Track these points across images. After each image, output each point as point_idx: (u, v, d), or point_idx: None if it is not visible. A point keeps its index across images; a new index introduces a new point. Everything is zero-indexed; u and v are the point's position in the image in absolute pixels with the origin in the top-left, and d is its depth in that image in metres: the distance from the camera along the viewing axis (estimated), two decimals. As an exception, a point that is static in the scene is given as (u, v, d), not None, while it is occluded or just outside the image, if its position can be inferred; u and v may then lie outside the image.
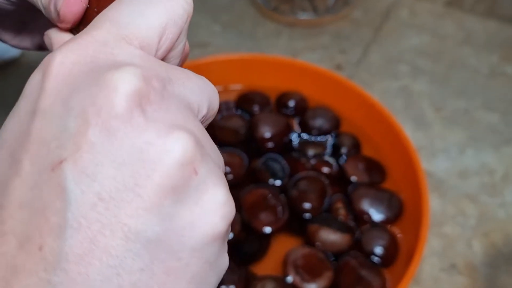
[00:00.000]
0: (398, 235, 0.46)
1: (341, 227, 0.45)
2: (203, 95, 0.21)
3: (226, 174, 0.49)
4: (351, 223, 0.46)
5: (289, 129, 0.54)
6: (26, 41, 0.34)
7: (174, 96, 0.19)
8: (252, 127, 0.53)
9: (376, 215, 0.46)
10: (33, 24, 0.33)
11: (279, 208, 0.46)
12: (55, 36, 0.25)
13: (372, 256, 0.44)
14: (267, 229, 0.46)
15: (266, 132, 0.52)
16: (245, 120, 0.54)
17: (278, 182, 0.49)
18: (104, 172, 0.17)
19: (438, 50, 0.71)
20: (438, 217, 0.52)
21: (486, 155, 0.58)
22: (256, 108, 0.56)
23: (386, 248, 0.44)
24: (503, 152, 0.58)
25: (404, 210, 0.48)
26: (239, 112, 0.56)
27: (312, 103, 0.57)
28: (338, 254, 0.44)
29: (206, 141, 0.20)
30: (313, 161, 0.51)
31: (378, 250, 0.44)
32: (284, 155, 0.51)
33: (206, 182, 0.19)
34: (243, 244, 0.46)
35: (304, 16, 0.73)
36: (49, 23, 0.26)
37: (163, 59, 0.22)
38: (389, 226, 0.47)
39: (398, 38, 0.73)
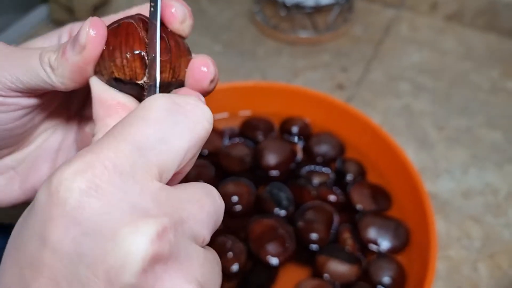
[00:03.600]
0: (405, 263, 0.47)
1: (349, 258, 0.45)
2: (211, 223, 0.22)
3: (234, 204, 0.49)
4: (359, 254, 0.46)
5: (293, 156, 0.54)
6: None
7: (185, 238, 0.20)
8: (257, 155, 0.53)
9: (384, 244, 0.47)
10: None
11: (287, 239, 0.47)
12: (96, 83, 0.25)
13: (380, 287, 0.44)
14: (275, 260, 0.46)
15: (271, 160, 0.53)
16: (250, 148, 0.55)
17: (283, 212, 0.49)
18: None
19: (439, 66, 0.72)
20: (443, 239, 0.52)
21: (489, 174, 0.58)
22: (260, 135, 0.56)
23: (394, 278, 0.44)
24: (507, 171, 0.59)
25: (411, 237, 0.48)
26: (243, 140, 0.56)
27: (316, 129, 0.57)
28: (346, 286, 0.44)
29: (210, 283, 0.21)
30: (318, 190, 0.51)
31: (386, 280, 0.44)
32: (290, 182, 0.52)
33: None
34: (251, 275, 0.46)
35: (304, 34, 0.74)
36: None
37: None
38: (396, 255, 0.47)
39: (399, 54, 0.73)
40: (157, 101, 0.22)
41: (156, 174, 0.20)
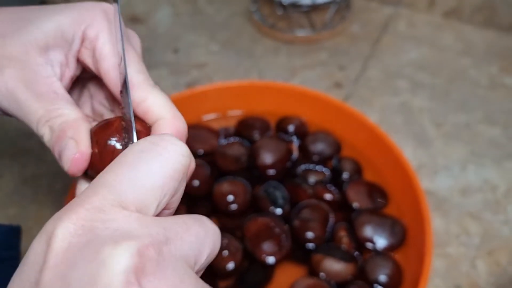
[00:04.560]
0: (402, 261, 0.46)
1: (345, 256, 0.45)
2: (202, 246, 0.22)
3: (229, 203, 0.49)
4: (355, 252, 0.46)
5: (289, 155, 0.54)
6: None
7: (171, 256, 0.20)
8: (253, 154, 0.53)
9: (380, 242, 0.47)
10: None
11: (282, 238, 0.46)
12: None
13: (376, 285, 0.44)
14: (270, 259, 0.46)
15: (268, 159, 0.52)
16: (245, 147, 0.54)
17: (278, 211, 0.49)
18: None
19: (437, 62, 0.71)
20: (441, 236, 0.52)
21: (488, 170, 0.58)
22: (256, 134, 0.56)
23: (390, 276, 0.44)
24: (505, 167, 0.58)
25: (408, 235, 0.48)
26: (238, 139, 0.56)
27: (312, 128, 0.57)
28: (342, 284, 0.44)
29: None
30: (314, 188, 0.51)
31: (382, 278, 0.44)
32: (286, 181, 0.52)
33: None
34: (247, 274, 0.46)
35: (301, 33, 0.73)
36: None
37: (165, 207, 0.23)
38: (392, 252, 0.47)
39: (397, 51, 0.73)
40: (133, 146, 0.24)
41: (134, 210, 0.21)
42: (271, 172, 0.52)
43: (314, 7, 0.73)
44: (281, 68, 0.71)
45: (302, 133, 0.56)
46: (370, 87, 0.68)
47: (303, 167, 0.53)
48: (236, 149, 0.54)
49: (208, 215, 0.49)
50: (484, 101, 0.66)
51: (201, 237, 0.22)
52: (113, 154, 0.28)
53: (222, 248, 0.45)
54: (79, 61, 0.32)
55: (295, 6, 0.72)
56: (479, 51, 0.73)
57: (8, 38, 0.30)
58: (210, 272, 0.46)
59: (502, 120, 0.64)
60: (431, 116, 0.64)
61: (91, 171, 0.29)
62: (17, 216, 0.54)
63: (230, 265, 0.45)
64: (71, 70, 0.32)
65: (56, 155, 0.28)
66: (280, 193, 0.50)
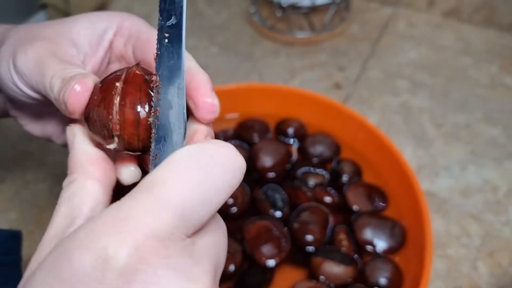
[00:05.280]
0: (402, 263, 0.46)
1: (345, 259, 0.45)
2: (224, 257, 0.24)
3: (229, 206, 0.49)
4: (354, 254, 0.46)
5: (289, 157, 0.54)
6: (37, 130, 0.37)
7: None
8: (252, 157, 0.53)
9: (380, 245, 0.47)
10: (47, 117, 0.36)
11: (282, 241, 0.46)
12: (78, 134, 0.27)
13: (376, 288, 0.44)
14: (270, 262, 0.46)
15: (267, 162, 0.52)
16: (245, 150, 0.54)
17: (278, 213, 0.49)
18: None
19: (437, 62, 0.71)
20: (442, 238, 0.52)
21: (488, 171, 0.58)
22: (256, 137, 0.56)
23: (390, 279, 0.44)
24: (506, 167, 0.58)
25: (407, 237, 0.48)
26: (238, 142, 0.56)
27: (311, 130, 0.57)
28: (342, 287, 0.44)
29: None
30: (314, 191, 0.51)
31: (382, 281, 0.44)
32: (285, 183, 0.51)
33: None
34: (246, 277, 0.46)
35: (301, 34, 0.73)
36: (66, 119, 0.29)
37: None
38: (392, 255, 0.47)
39: (396, 51, 0.73)
40: (187, 155, 0.22)
41: (191, 233, 0.21)
42: (271, 174, 0.52)
43: (314, 9, 0.73)
44: (280, 69, 0.71)
45: (302, 135, 0.56)
46: (370, 88, 0.68)
47: (302, 169, 0.53)
48: (235, 152, 0.54)
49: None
50: (484, 100, 0.66)
51: (224, 249, 0.24)
52: (112, 103, 0.26)
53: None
54: (111, 51, 0.34)
55: (294, 7, 0.72)
56: (478, 50, 0.73)
57: (46, 27, 0.32)
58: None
59: (502, 119, 0.63)
60: (431, 116, 0.64)
61: (88, 116, 0.27)
62: (17, 220, 0.55)
63: (231, 268, 0.45)
64: (98, 58, 0.33)
65: (61, 98, 0.27)
66: (279, 196, 0.50)
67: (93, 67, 0.33)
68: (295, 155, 0.55)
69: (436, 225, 0.53)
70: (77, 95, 0.26)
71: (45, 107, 0.34)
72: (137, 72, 0.26)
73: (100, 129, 0.26)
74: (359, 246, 0.47)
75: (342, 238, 0.47)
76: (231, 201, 0.50)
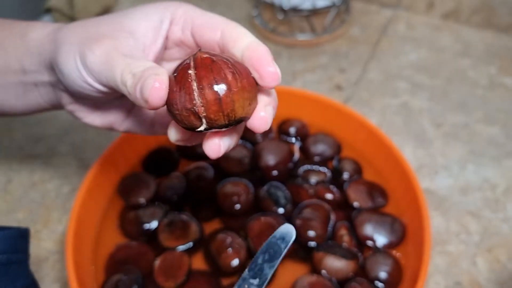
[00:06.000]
0: (402, 258, 0.47)
1: (346, 254, 0.46)
2: None
3: (233, 203, 0.50)
4: (355, 249, 0.47)
5: (291, 156, 0.55)
6: (98, 120, 0.39)
7: None
8: (255, 156, 0.54)
9: (380, 240, 0.47)
10: (108, 106, 0.39)
11: (285, 237, 0.47)
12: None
13: (377, 282, 0.45)
14: (274, 258, 0.47)
15: (270, 161, 0.54)
16: (248, 149, 0.56)
17: (281, 210, 0.50)
18: None
19: (436, 63, 0.72)
20: (442, 235, 0.53)
21: (487, 169, 0.59)
22: (258, 137, 0.57)
23: (390, 273, 0.45)
24: (504, 165, 0.59)
25: (407, 233, 0.49)
26: (241, 141, 0.57)
27: (313, 129, 0.58)
28: (343, 281, 0.45)
29: None
30: (316, 188, 0.52)
31: (383, 275, 0.45)
32: (288, 181, 0.53)
33: None
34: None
35: (302, 37, 0.75)
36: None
37: None
38: (392, 250, 0.48)
39: (396, 53, 0.74)
40: None
41: None
42: (274, 173, 0.53)
43: (314, 11, 0.74)
44: (282, 71, 0.71)
45: (303, 135, 0.57)
46: (370, 89, 0.69)
47: (304, 167, 0.54)
48: (239, 151, 0.55)
49: (212, 216, 0.50)
50: (483, 101, 0.67)
51: None
52: (191, 90, 0.28)
53: (226, 246, 0.47)
54: (168, 39, 0.36)
55: (295, 10, 0.74)
56: (477, 51, 0.74)
57: (101, 24, 0.35)
58: (215, 269, 0.47)
59: (501, 119, 0.64)
60: (431, 116, 0.65)
61: (172, 107, 0.29)
62: (25, 219, 0.56)
63: (235, 262, 0.46)
64: (157, 48, 0.35)
65: (138, 94, 0.29)
66: (282, 193, 0.51)
67: (153, 57, 0.35)
68: (297, 154, 0.56)
69: (436, 222, 0.54)
70: (157, 91, 0.28)
71: (113, 98, 0.37)
72: (203, 56, 0.29)
73: (186, 116, 0.28)
74: (360, 241, 0.48)
75: (343, 233, 0.48)
76: (235, 198, 0.51)
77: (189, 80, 0.28)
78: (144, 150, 0.56)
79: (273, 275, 0.47)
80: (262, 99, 0.31)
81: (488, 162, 0.60)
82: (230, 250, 0.46)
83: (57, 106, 0.40)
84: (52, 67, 0.36)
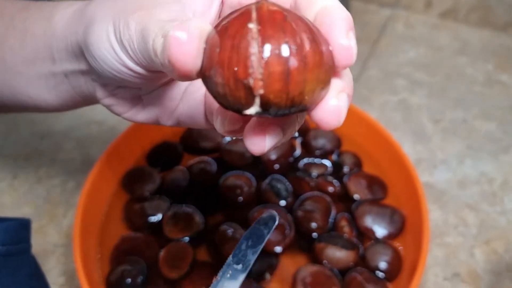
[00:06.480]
0: (401, 249, 0.48)
1: (346, 244, 0.47)
2: None
3: (236, 196, 0.51)
4: (356, 240, 0.48)
5: (292, 151, 0.56)
6: (141, 115, 0.33)
7: None
8: (257, 150, 0.55)
9: (379, 231, 0.49)
10: (147, 98, 0.33)
11: (287, 228, 0.49)
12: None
13: (377, 271, 0.46)
14: (276, 248, 0.48)
15: (272, 154, 0.55)
16: (250, 143, 0.57)
17: (282, 202, 0.51)
18: None
19: (435, 61, 0.74)
20: (440, 227, 0.54)
21: (484, 164, 0.60)
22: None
23: (390, 263, 0.46)
24: (501, 160, 0.60)
25: (406, 224, 0.50)
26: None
27: (313, 124, 0.59)
28: (344, 271, 0.46)
29: None
30: (317, 181, 0.53)
31: (382, 265, 0.46)
32: (289, 174, 0.54)
33: None
34: (254, 262, 0.48)
35: (302, 35, 0.76)
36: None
37: None
38: (392, 240, 0.49)
39: (395, 51, 0.75)
40: None
41: None
42: (275, 166, 0.55)
43: (314, 10, 0.75)
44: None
45: (304, 129, 0.58)
46: (370, 86, 0.70)
47: (305, 160, 0.55)
48: (241, 145, 0.56)
49: (215, 208, 0.51)
50: (480, 97, 0.68)
51: None
52: (242, 53, 0.19)
53: (228, 237, 0.48)
54: (225, 3, 0.29)
55: (296, 9, 0.75)
56: (475, 49, 0.75)
57: None
58: (218, 260, 0.48)
59: (498, 115, 0.66)
60: (429, 113, 0.66)
61: (214, 74, 0.20)
62: (31, 214, 0.56)
63: (238, 255, 0.47)
64: (212, 15, 0.29)
65: (166, 59, 0.22)
66: (283, 186, 0.52)
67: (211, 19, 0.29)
68: (298, 149, 0.57)
69: (435, 215, 0.55)
70: (181, 45, 0.21)
71: (145, 83, 0.30)
72: (271, 8, 0.20)
73: (233, 89, 0.20)
74: (360, 232, 0.49)
75: (344, 225, 0.49)
76: (238, 191, 0.52)
77: (248, 38, 0.19)
78: (148, 144, 0.57)
79: (276, 265, 0.48)
80: (334, 83, 0.23)
81: (485, 157, 0.61)
82: (232, 241, 0.47)
83: (92, 100, 0.35)
84: (81, 52, 0.31)
